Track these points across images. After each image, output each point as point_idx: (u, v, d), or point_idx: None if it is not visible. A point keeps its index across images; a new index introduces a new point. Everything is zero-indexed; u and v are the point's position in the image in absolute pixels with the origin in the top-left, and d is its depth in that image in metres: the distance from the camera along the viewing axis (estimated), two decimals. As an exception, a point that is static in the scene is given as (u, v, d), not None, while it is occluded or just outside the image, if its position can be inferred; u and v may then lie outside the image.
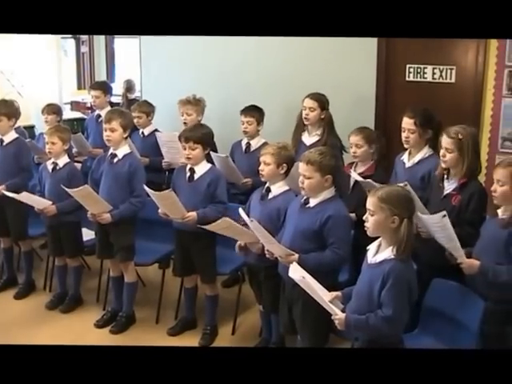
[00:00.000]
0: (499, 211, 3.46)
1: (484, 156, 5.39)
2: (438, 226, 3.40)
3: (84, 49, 9.86)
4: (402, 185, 3.46)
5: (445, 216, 3.33)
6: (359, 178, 4.21)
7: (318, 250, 3.58)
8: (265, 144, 4.92)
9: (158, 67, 6.71)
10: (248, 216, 3.80)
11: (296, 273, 3.33)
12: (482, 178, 4.18)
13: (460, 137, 3.77)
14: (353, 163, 4.54)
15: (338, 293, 3.26)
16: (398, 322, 3.03)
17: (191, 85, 6.04)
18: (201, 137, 4.37)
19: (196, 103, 5.47)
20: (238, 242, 4.04)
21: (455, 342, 3.49)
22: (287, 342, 4.24)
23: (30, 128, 7.11)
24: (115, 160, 4.61)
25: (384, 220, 3.01)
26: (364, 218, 3.09)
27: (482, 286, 3.41)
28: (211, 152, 4.76)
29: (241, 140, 5.35)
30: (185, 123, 5.38)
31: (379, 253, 3.09)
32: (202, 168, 4.41)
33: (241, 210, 3.80)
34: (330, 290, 3.29)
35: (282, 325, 3.94)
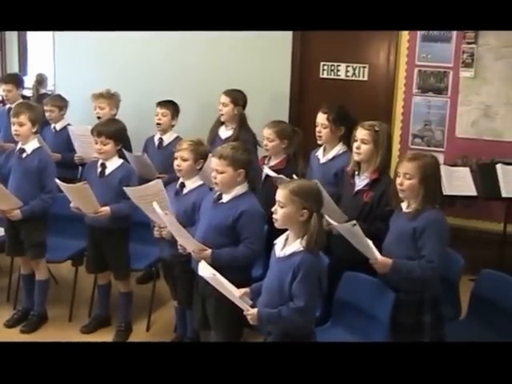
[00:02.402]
0: (403, 205, 3.51)
1: (395, 152, 5.54)
2: (350, 233, 3.42)
3: (-6, 39, 9.55)
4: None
5: (355, 225, 3.34)
6: (271, 173, 4.24)
7: (232, 245, 3.58)
8: (177, 138, 4.93)
9: (73, 61, 6.57)
10: None
11: (206, 270, 3.32)
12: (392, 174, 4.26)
13: (376, 129, 3.83)
14: (266, 156, 4.58)
15: (247, 289, 3.27)
16: (309, 313, 3.07)
17: (107, 80, 5.96)
18: (113, 132, 4.33)
19: (109, 97, 5.41)
20: (156, 229, 3.99)
21: (367, 334, 3.55)
22: (202, 337, 4.24)
23: None
24: (24, 155, 4.50)
25: (294, 213, 3.04)
26: (273, 209, 3.11)
27: (393, 278, 3.44)
28: (126, 152, 4.71)
29: (153, 135, 5.34)
30: (98, 117, 5.31)
31: (287, 246, 3.12)
32: (113, 163, 4.37)
33: (155, 204, 3.75)
34: (243, 286, 3.29)
35: (195, 320, 3.92)
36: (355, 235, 3.39)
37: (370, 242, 3.44)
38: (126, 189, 4.05)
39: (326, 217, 3.53)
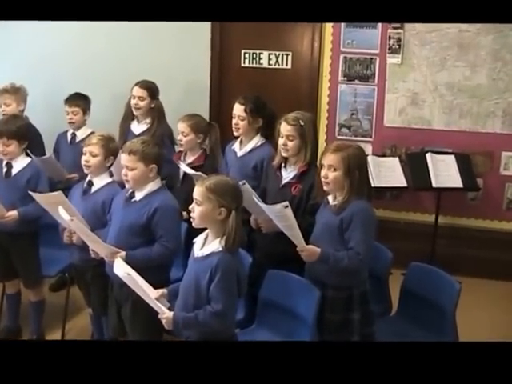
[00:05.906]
0: (329, 198, 3.46)
1: (322, 143, 5.47)
2: (280, 215, 3.37)
3: None
4: (240, 183, 3.39)
5: (287, 207, 3.30)
6: (189, 170, 4.12)
7: (147, 245, 3.47)
8: (91, 134, 4.69)
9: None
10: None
11: (120, 269, 3.20)
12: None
13: (301, 123, 3.77)
14: (181, 152, 4.47)
15: (164, 290, 3.17)
16: (228, 317, 3.01)
17: (12, 72, 5.66)
18: (15, 131, 4.12)
19: (15, 92, 5.12)
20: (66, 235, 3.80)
21: (292, 334, 3.51)
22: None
23: None
24: None
25: (211, 211, 2.97)
26: (190, 207, 3.03)
27: (323, 273, 3.41)
28: (33, 156, 4.45)
29: (66, 131, 5.12)
30: (4, 115, 5.00)
31: (206, 245, 3.05)
32: (20, 163, 4.17)
33: (61, 209, 3.56)
34: (161, 287, 3.19)
35: (110, 327, 3.77)
36: (286, 218, 3.34)
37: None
38: (31, 193, 3.83)
39: (255, 199, 3.52)
